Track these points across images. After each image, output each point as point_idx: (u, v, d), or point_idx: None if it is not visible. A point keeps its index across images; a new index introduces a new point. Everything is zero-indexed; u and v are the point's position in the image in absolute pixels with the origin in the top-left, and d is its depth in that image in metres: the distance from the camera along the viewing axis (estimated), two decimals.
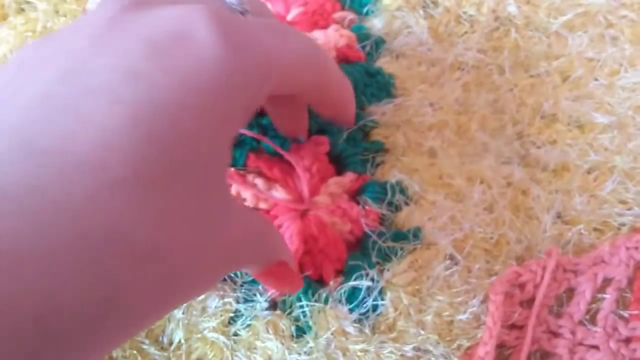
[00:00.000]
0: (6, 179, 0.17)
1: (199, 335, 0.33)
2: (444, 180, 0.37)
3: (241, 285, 0.34)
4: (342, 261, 0.34)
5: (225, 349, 0.33)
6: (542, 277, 0.35)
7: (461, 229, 0.35)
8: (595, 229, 0.37)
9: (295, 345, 0.33)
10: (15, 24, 0.41)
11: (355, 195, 0.37)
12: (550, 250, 0.35)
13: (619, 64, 0.42)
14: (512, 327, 0.34)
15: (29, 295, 0.16)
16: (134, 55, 0.21)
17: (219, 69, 0.21)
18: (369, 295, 0.33)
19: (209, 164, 0.22)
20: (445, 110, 0.40)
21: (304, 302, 0.33)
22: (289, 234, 0.33)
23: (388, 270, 0.33)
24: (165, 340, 0.34)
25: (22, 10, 0.43)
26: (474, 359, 0.33)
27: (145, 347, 0.33)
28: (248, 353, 0.33)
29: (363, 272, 0.33)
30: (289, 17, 0.42)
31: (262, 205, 0.35)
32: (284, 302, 0.33)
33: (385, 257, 0.34)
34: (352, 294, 0.33)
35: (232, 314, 0.33)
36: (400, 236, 0.35)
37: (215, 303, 0.33)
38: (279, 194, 0.34)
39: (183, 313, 0.33)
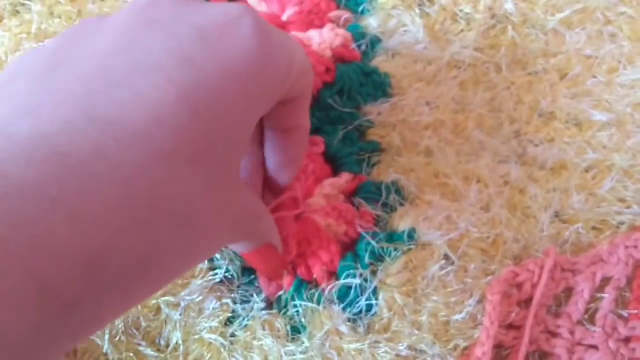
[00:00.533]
0: (72, 144, 0.19)
1: (197, 337, 0.33)
2: (441, 180, 0.37)
3: (238, 287, 0.34)
4: (336, 263, 0.34)
5: (222, 350, 0.33)
6: (540, 277, 0.34)
7: (457, 229, 0.35)
8: (593, 228, 0.37)
9: (291, 344, 0.32)
10: (10, 26, 0.41)
11: (351, 195, 0.37)
12: (548, 249, 0.35)
13: (618, 61, 0.41)
14: (510, 327, 0.34)
15: (85, 241, 0.18)
16: (186, 41, 0.23)
17: (257, 61, 0.24)
18: (361, 295, 0.33)
19: (236, 143, 0.24)
20: (442, 109, 0.40)
21: (297, 302, 0.33)
22: (284, 237, 0.33)
23: (381, 271, 0.33)
24: (163, 342, 0.34)
25: (17, 12, 0.43)
26: (472, 359, 0.33)
27: (142, 349, 0.33)
28: (245, 353, 0.33)
29: (356, 271, 0.33)
30: (285, 17, 0.42)
31: None
32: (279, 301, 0.33)
33: (379, 258, 0.34)
34: (346, 294, 0.33)
35: (229, 315, 0.33)
36: (394, 237, 0.34)
37: (212, 304, 0.33)
38: (273, 195, 0.34)
39: (180, 315, 0.33)
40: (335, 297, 0.33)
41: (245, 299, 0.34)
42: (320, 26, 0.41)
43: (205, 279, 0.34)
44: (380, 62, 0.41)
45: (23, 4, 0.43)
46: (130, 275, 0.20)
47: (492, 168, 0.38)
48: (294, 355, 0.32)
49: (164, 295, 0.34)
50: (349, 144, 0.38)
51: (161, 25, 0.23)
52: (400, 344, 0.32)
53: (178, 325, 0.33)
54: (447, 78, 0.41)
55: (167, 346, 0.33)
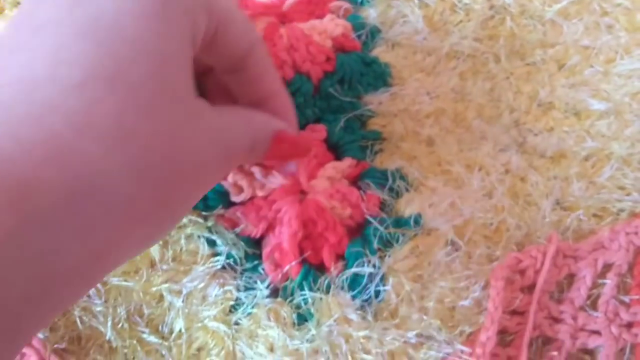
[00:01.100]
0: None
1: (200, 325, 0.33)
2: (443, 167, 0.37)
3: (241, 273, 0.34)
4: (343, 245, 0.34)
5: (226, 338, 0.33)
6: (543, 263, 0.35)
7: (461, 215, 0.35)
8: (594, 215, 0.37)
9: (297, 332, 0.32)
10: (11, 17, 0.40)
11: (355, 182, 0.36)
12: (551, 235, 0.35)
13: (615, 52, 0.42)
14: (514, 313, 0.34)
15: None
16: None
17: None
18: (371, 282, 0.33)
19: (164, 62, 0.23)
20: (442, 99, 0.40)
21: (305, 290, 0.33)
22: (288, 217, 0.33)
23: (389, 256, 0.33)
24: (166, 330, 0.33)
25: (18, 3, 0.43)
26: (476, 344, 0.33)
27: (145, 336, 0.33)
28: (249, 341, 0.32)
29: (365, 258, 0.33)
30: (285, 7, 0.41)
31: (260, 193, 0.35)
32: (284, 289, 0.33)
33: (387, 243, 0.34)
34: (354, 280, 0.33)
35: (232, 302, 0.33)
36: (401, 222, 0.34)
37: (215, 291, 0.33)
38: (276, 179, 0.34)
39: (183, 302, 0.33)
40: (345, 284, 0.33)
41: (248, 286, 0.33)
42: (321, 16, 0.41)
43: (206, 265, 0.34)
44: (380, 52, 0.41)
45: None
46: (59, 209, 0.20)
47: (493, 156, 0.38)
48: (300, 343, 0.32)
49: (165, 282, 0.33)
50: (350, 131, 0.38)
51: None
52: (409, 331, 0.32)
53: (181, 312, 0.33)
54: (446, 68, 0.41)
55: (171, 333, 0.33)
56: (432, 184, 0.36)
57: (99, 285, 0.33)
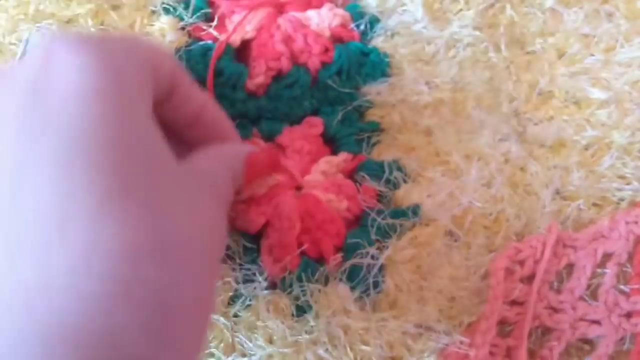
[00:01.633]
0: None
1: None
2: (441, 158, 0.37)
3: (240, 265, 0.34)
4: (341, 236, 0.34)
5: (225, 331, 0.33)
6: (543, 253, 0.35)
7: (460, 205, 0.35)
8: (594, 204, 0.37)
9: (296, 324, 0.32)
10: (7, 7, 0.40)
11: (351, 175, 0.36)
12: (551, 225, 0.35)
13: (615, 40, 0.41)
14: (513, 303, 0.34)
15: None
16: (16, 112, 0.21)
17: (92, 81, 0.22)
18: (369, 273, 0.33)
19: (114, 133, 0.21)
20: (441, 89, 0.40)
21: (304, 282, 0.32)
22: (285, 211, 0.33)
23: (388, 247, 0.33)
24: None
25: None
26: (476, 334, 0.33)
27: None
28: (249, 333, 0.32)
29: (363, 250, 0.33)
30: None
31: (258, 191, 0.35)
32: (283, 281, 0.33)
33: (385, 234, 0.34)
34: (353, 271, 0.33)
35: (231, 294, 0.33)
36: (399, 213, 0.34)
37: None
38: (272, 177, 0.34)
39: None
40: (343, 276, 0.33)
41: (247, 278, 0.33)
42: (319, 6, 0.41)
43: None
44: (378, 42, 0.41)
45: None
46: None
47: (492, 146, 0.38)
48: (299, 335, 0.32)
49: None
50: (348, 124, 0.38)
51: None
52: (407, 322, 0.32)
53: None
54: (445, 57, 0.41)
55: None
56: (430, 175, 0.36)
57: None
